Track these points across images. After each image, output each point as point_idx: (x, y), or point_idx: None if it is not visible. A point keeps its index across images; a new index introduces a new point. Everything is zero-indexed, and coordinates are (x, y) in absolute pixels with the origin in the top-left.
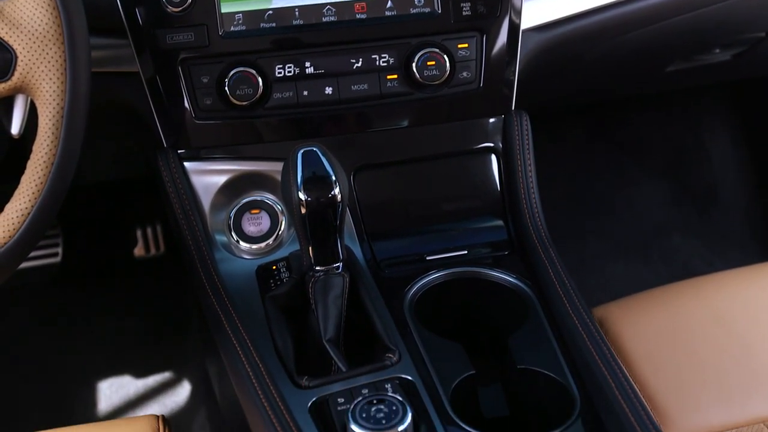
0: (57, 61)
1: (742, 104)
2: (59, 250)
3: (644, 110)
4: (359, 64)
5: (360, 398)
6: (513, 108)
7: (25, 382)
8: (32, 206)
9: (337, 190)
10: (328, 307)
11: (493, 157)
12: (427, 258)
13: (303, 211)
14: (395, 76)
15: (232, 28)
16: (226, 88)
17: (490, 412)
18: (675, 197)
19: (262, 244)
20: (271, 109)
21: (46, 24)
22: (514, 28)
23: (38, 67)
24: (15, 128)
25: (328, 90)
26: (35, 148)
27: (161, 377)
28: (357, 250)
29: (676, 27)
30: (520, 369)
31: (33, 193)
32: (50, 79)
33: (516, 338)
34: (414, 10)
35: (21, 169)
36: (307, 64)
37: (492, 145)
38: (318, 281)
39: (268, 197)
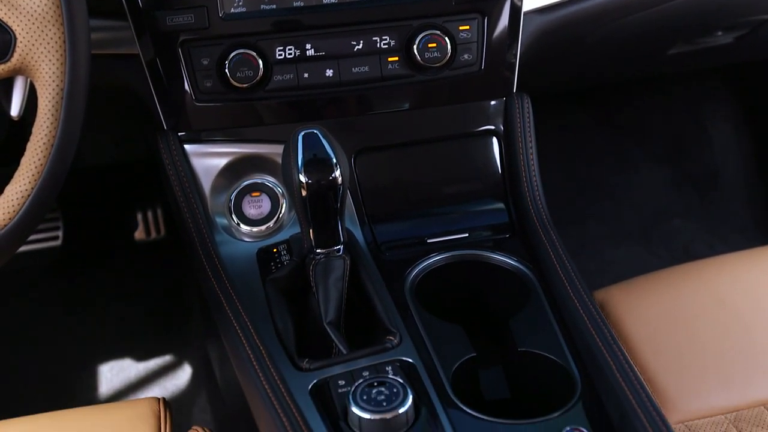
0: (56, 42)
1: (744, 88)
2: (59, 233)
3: (646, 94)
4: (360, 47)
5: (361, 381)
6: (514, 91)
7: (25, 366)
8: (32, 188)
9: (337, 173)
10: (329, 290)
11: (494, 140)
12: (428, 241)
13: (304, 193)
14: (396, 59)
15: (232, 10)
16: (227, 71)
17: (490, 394)
18: (676, 181)
19: (263, 227)
20: (272, 92)
21: (45, 5)
22: (515, 10)
23: (38, 49)
24: (15, 110)
25: (329, 72)
26: (35, 129)
27: (162, 360)
28: (358, 233)
29: (678, 9)
30: (520, 351)
31: (33, 174)
32: (50, 60)
33: (517, 321)
34: None
35: (21, 151)
36: (308, 46)
37: (493, 127)
38: (319, 264)
39: (269, 180)
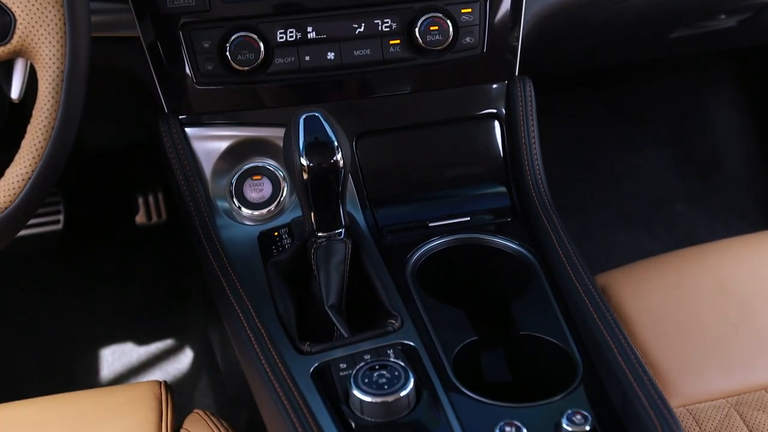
0: (56, 24)
1: (747, 72)
2: (61, 217)
3: (648, 79)
4: (361, 29)
5: (362, 364)
6: (516, 74)
7: (26, 350)
8: (33, 171)
9: (339, 156)
10: (330, 274)
11: (496, 123)
12: (430, 224)
13: (305, 176)
14: (398, 42)
15: None
16: (228, 53)
17: (492, 378)
18: (678, 166)
19: (264, 211)
20: (273, 75)
21: None
22: None
23: (38, 31)
24: (15, 92)
25: (330, 55)
26: (35, 112)
27: (163, 344)
28: (359, 217)
29: None
30: (522, 335)
31: (33, 157)
32: (50, 42)
33: (518, 304)
34: None
35: (21, 134)
36: (309, 28)
37: (495, 111)
38: (320, 247)
39: (270, 163)
